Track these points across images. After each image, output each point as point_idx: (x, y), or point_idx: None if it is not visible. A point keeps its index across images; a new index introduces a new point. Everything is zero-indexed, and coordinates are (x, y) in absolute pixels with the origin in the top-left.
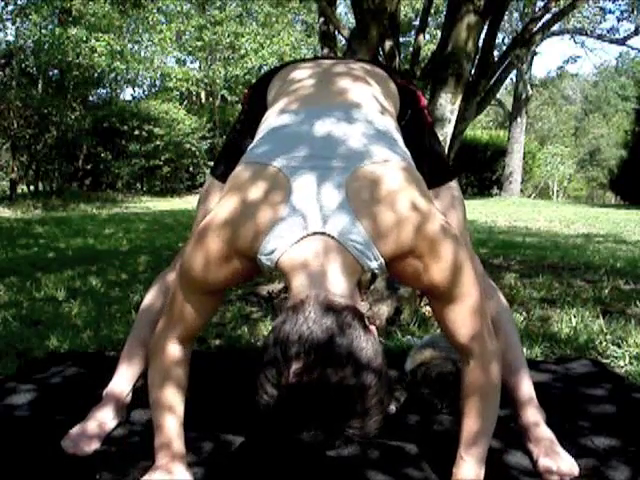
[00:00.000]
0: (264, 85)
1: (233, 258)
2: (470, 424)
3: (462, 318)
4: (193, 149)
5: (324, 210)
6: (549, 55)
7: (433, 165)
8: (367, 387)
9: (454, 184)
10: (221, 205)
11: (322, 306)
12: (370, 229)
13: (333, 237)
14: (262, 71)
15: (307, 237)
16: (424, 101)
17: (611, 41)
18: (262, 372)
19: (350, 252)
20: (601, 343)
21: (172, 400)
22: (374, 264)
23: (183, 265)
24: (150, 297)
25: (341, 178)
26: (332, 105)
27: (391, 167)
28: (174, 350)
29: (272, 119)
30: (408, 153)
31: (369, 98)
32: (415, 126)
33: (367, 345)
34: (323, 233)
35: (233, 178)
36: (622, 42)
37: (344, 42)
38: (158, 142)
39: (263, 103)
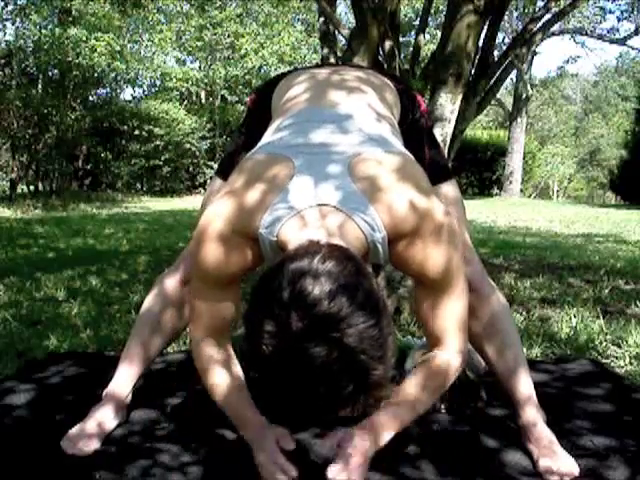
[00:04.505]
0: (268, 92)
1: (238, 240)
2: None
3: (445, 311)
4: (193, 149)
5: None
6: (549, 55)
7: (431, 168)
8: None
9: (452, 184)
10: (218, 197)
11: (332, 250)
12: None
13: (344, 212)
14: (262, 71)
15: (313, 208)
16: (424, 106)
17: (611, 41)
18: (258, 320)
19: (361, 227)
20: (601, 343)
21: (226, 382)
22: (379, 236)
23: (193, 261)
24: (150, 299)
25: (342, 179)
26: (325, 118)
27: (386, 167)
28: (210, 351)
29: (268, 137)
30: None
31: (363, 108)
32: (415, 130)
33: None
34: (329, 205)
35: (231, 176)
36: (622, 42)
37: (344, 42)
38: (158, 142)
39: (267, 115)
